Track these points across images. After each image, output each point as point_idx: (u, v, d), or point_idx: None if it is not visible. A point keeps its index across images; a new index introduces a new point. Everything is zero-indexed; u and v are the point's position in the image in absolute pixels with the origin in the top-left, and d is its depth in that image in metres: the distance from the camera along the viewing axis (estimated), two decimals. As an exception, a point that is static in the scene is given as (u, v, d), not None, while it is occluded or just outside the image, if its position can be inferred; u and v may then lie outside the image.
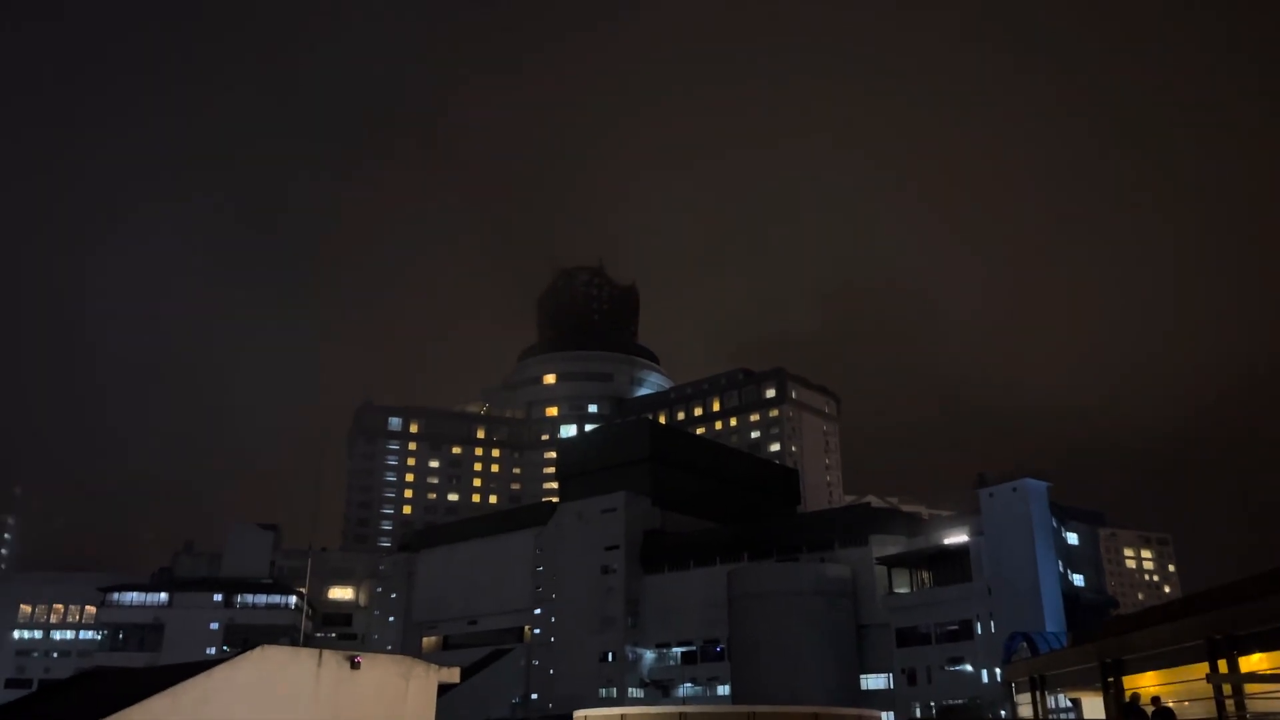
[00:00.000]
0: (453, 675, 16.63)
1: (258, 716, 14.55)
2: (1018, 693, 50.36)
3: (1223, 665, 28.08)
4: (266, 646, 14.97)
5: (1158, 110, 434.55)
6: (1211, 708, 28.12)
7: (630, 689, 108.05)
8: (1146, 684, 35.97)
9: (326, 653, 15.57)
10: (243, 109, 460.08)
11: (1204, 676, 25.96)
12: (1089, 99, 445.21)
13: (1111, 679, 36.66)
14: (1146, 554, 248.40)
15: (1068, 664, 42.66)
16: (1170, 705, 25.56)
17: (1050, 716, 43.83)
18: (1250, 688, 25.70)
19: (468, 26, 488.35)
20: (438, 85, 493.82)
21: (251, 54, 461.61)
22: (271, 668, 15.16)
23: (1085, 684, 42.03)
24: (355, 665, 15.63)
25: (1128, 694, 31.20)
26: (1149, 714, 24.98)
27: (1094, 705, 43.28)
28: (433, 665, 16.35)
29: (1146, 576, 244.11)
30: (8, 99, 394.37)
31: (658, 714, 31.90)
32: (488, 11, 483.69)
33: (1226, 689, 27.64)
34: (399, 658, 16.57)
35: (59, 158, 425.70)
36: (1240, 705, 26.78)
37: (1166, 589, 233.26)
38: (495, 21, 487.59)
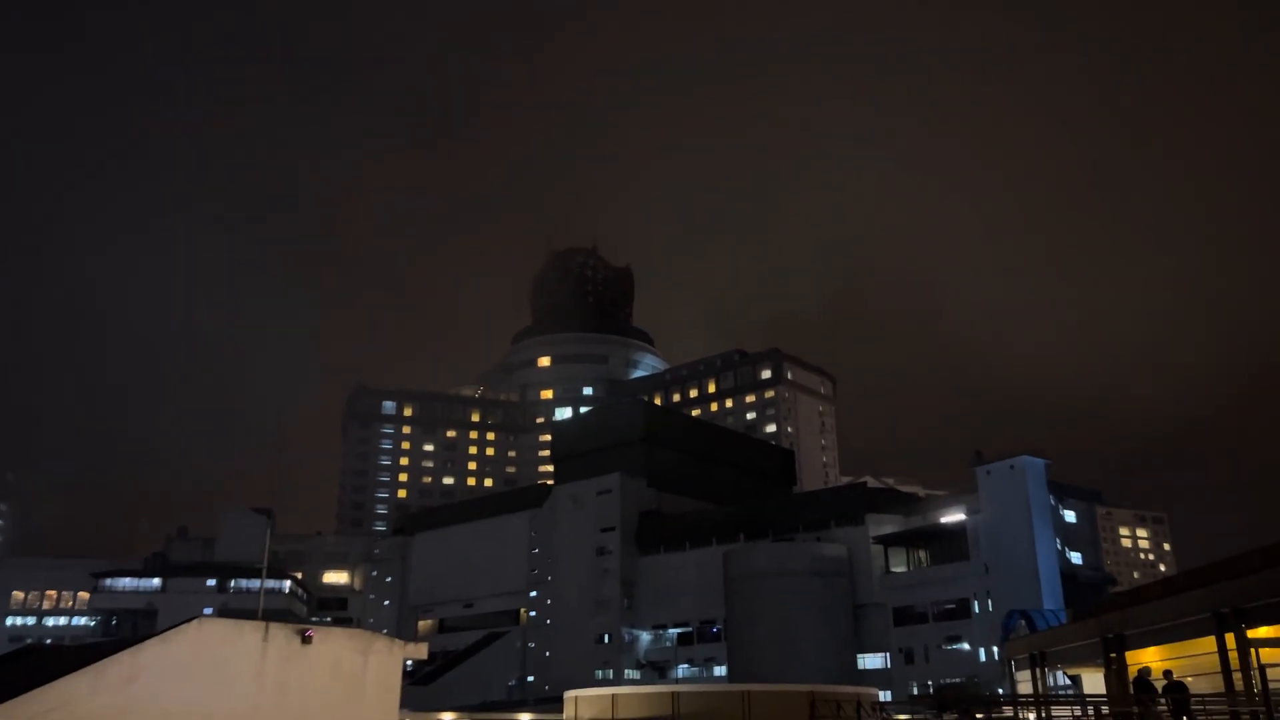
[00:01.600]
0: (420, 651, 15.52)
1: (193, 696, 13.20)
2: (1017, 670, 49.75)
3: (1230, 639, 27.29)
4: (204, 619, 13.59)
5: (1172, 100, 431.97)
6: (1218, 682, 27.33)
7: (626, 670, 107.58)
8: (1149, 660, 35.28)
9: (274, 625, 14.48)
10: (242, 98, 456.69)
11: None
12: (1106, 85, 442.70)
13: (1114, 654, 35.94)
14: (1142, 533, 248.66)
15: (1068, 640, 41.99)
16: (1182, 680, 24.62)
17: (1050, 693, 43.13)
18: (1265, 655, 24.83)
19: (460, 12, 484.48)
20: (432, 71, 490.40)
21: (252, 48, 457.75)
22: (209, 642, 13.73)
23: (1086, 660, 41.32)
24: (306, 639, 14.46)
25: (1135, 669, 30.46)
26: (1159, 689, 24.04)
27: (1094, 681, 42.65)
28: (397, 640, 15.17)
29: (1142, 555, 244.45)
30: (14, 90, 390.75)
31: (650, 694, 31.09)
32: (483, 2, 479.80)
33: (1235, 662, 26.84)
34: (356, 631, 15.31)
35: (62, 149, 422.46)
36: (1248, 679, 25.95)
37: (1162, 567, 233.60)
38: (488, 6, 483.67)
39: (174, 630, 13.59)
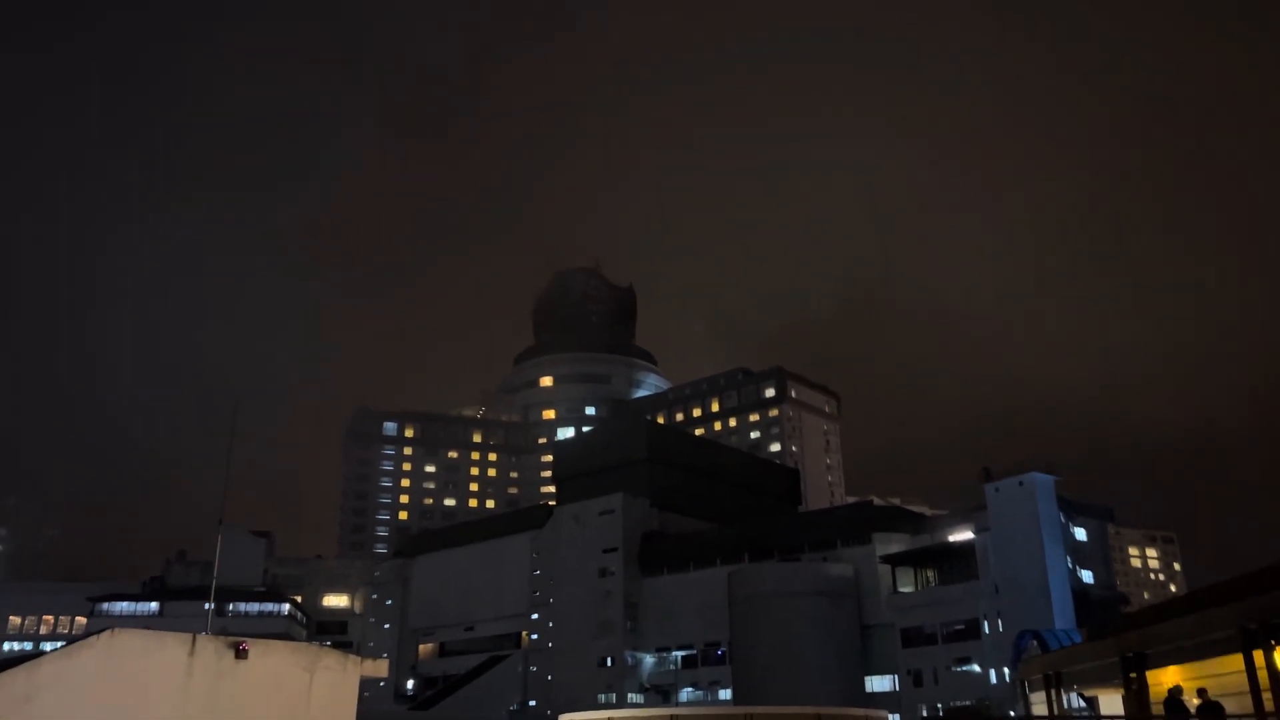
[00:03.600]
0: (379, 669, 14.10)
1: (102, 718, 11.80)
2: (1031, 691, 48.11)
3: (1259, 656, 25.84)
4: (118, 630, 12.11)
5: (1177, 104, 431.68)
6: (1246, 702, 25.86)
7: (630, 694, 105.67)
8: (1170, 679, 33.72)
9: (203, 638, 13.20)
10: (227, 111, 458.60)
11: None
12: (1112, 95, 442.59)
13: (1134, 674, 34.38)
14: (1151, 552, 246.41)
15: (1085, 659, 40.38)
16: (1218, 700, 23.08)
17: (1073, 714, 41.53)
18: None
19: (464, 28, 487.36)
20: (431, 88, 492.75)
21: (245, 58, 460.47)
22: (123, 656, 12.34)
23: (1103, 680, 39.71)
24: (241, 653, 13.19)
25: (1158, 690, 29.00)
26: (1192, 709, 22.53)
27: (1111, 702, 41.03)
28: (351, 656, 13.68)
29: (1152, 575, 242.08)
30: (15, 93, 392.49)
31: (646, 717, 29.60)
32: (480, 12, 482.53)
33: (1264, 681, 25.37)
34: (302, 645, 13.73)
35: (56, 164, 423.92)
36: (1280, 699, 24.48)
37: (1172, 587, 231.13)
38: (489, 21, 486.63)
39: (79, 643, 12.09)
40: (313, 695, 12.81)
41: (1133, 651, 34.33)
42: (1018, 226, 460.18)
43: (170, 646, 12.33)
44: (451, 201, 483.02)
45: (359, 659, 13.80)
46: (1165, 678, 34.31)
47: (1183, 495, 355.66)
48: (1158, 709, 32.89)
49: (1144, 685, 33.82)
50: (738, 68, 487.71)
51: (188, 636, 12.53)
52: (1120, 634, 36.50)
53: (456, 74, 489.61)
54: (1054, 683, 43.09)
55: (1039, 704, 45.89)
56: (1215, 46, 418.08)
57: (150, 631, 12.53)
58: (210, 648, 12.84)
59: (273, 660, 13.40)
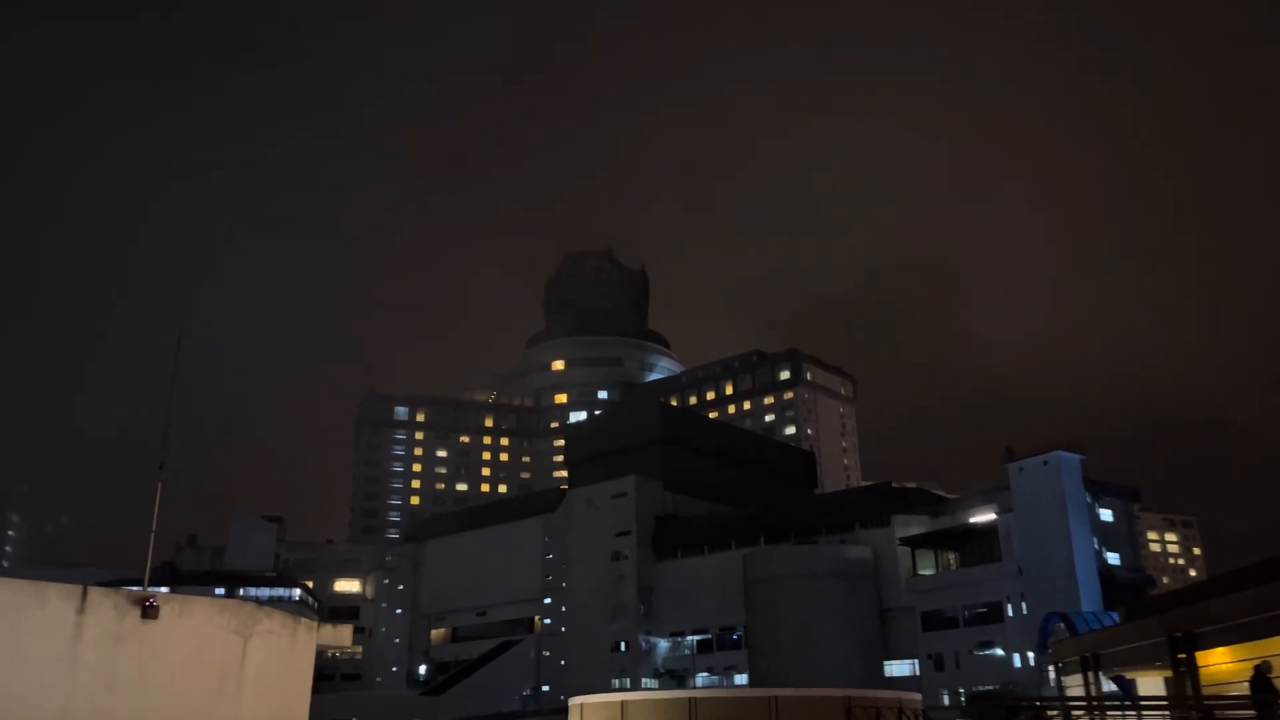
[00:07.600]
0: (341, 636, 11.91)
1: None
2: (1066, 674, 46.00)
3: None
4: None
5: (1197, 88, 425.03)
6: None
7: (644, 679, 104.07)
8: (1219, 660, 31.59)
9: (98, 592, 10.51)
10: (249, 95, 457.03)
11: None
12: (1133, 79, 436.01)
13: (1183, 655, 32.23)
14: (1171, 537, 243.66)
15: (1126, 640, 38.17)
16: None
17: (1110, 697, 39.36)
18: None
19: (480, 13, 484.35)
20: (447, 72, 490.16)
21: (269, 44, 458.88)
22: None
23: (1145, 662, 37.44)
24: (149, 610, 10.43)
25: (1212, 670, 26.96)
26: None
27: (1152, 685, 38.87)
28: (302, 619, 11.44)
29: (1171, 560, 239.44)
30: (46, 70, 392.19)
31: (663, 700, 27.66)
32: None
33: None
34: (233, 602, 10.88)
35: (72, 149, 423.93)
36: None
37: (1192, 573, 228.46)
38: (505, 9, 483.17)
39: (-80, 597, 9.21)
40: (248, 664, 10.60)
41: (1182, 631, 32.21)
42: (1038, 216, 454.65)
43: (52, 601, 9.88)
44: (463, 186, 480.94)
45: (312, 623, 11.42)
46: (1213, 659, 32.15)
47: (1200, 482, 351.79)
48: (1207, 691, 30.79)
49: (1194, 667, 31.70)
50: (759, 66, 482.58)
51: (76, 589, 10.00)
52: (1166, 613, 34.34)
53: (476, 63, 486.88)
54: (1091, 665, 40.95)
55: (1073, 687, 43.82)
56: (1229, 45, 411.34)
57: (24, 581, 9.98)
58: (108, 604, 10.38)
59: (192, 621, 10.77)
